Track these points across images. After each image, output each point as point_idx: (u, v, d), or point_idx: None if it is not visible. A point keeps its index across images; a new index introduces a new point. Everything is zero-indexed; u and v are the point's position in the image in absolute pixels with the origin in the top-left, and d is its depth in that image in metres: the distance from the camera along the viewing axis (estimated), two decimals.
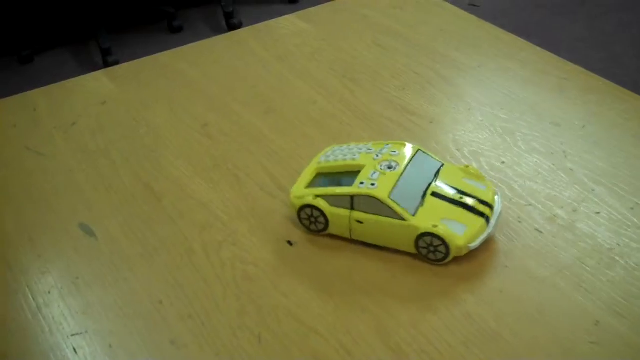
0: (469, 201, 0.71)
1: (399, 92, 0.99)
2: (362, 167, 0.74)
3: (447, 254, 0.69)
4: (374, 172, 0.73)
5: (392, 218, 0.70)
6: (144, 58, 1.11)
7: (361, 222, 0.72)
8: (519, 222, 0.77)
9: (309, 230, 0.75)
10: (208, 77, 1.05)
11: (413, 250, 0.71)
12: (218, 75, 1.06)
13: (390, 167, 0.74)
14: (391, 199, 0.70)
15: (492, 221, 0.71)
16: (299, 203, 0.74)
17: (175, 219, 0.80)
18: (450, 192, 0.72)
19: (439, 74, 1.02)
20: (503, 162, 0.85)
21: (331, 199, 0.72)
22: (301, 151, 0.89)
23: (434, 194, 0.72)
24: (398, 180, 0.72)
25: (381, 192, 0.70)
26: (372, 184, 0.71)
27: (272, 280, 0.71)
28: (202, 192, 0.83)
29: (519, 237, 0.75)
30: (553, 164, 0.85)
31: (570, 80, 0.99)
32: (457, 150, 0.87)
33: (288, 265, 0.73)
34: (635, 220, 0.76)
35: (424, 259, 0.71)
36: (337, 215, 0.73)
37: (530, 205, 0.79)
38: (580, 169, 0.84)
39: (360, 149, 0.77)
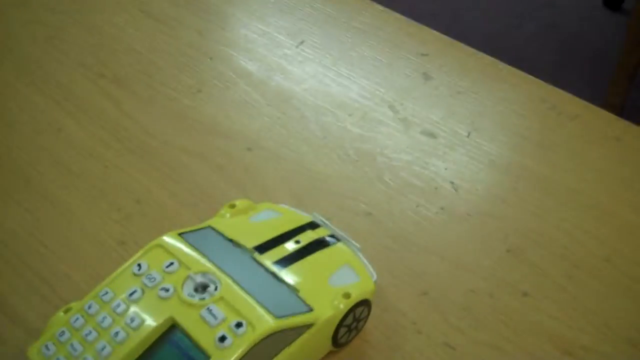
0: (305, 239, 0.48)
1: (193, 96, 0.65)
2: (175, 325, 0.41)
3: (370, 311, 0.47)
4: (210, 309, 0.41)
5: (299, 336, 0.43)
6: None
7: None
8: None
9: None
10: None
11: (329, 348, 0.46)
12: None
13: (206, 287, 0.42)
14: (280, 318, 0.42)
15: (341, 234, 0.50)
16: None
17: None
18: (281, 250, 0.47)
19: (251, 57, 0.69)
20: (368, 214, 0.55)
21: None
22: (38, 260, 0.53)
23: (278, 263, 0.46)
24: (245, 292, 0.42)
25: (262, 319, 0.41)
26: (238, 325, 0.40)
27: None
28: None
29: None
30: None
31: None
32: (303, 208, 0.56)
33: None
34: None
35: (341, 346, 0.47)
36: None
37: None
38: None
39: (119, 306, 0.42)
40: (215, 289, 0.42)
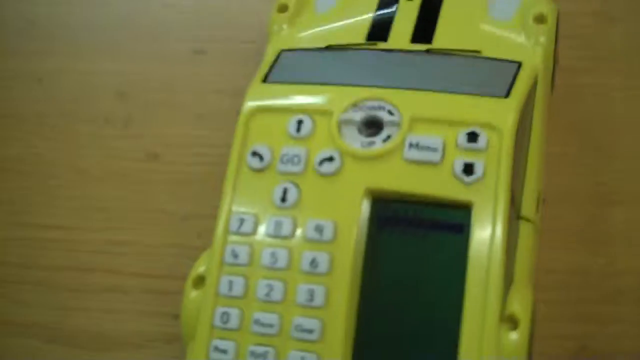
0: None
1: None
2: (378, 197, 0.25)
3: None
4: (413, 142, 0.25)
5: (534, 101, 0.27)
6: None
7: None
8: None
9: None
10: None
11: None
12: None
13: (378, 123, 0.25)
14: (509, 94, 0.25)
15: None
16: None
17: None
18: (402, 18, 0.29)
19: None
20: None
21: None
22: None
23: (418, 34, 0.28)
24: (435, 92, 0.26)
25: (495, 110, 0.25)
26: (472, 138, 0.24)
27: None
28: None
29: None
30: None
31: None
32: None
33: None
34: None
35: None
36: None
37: None
38: None
39: (282, 224, 0.24)
40: (391, 113, 0.25)
